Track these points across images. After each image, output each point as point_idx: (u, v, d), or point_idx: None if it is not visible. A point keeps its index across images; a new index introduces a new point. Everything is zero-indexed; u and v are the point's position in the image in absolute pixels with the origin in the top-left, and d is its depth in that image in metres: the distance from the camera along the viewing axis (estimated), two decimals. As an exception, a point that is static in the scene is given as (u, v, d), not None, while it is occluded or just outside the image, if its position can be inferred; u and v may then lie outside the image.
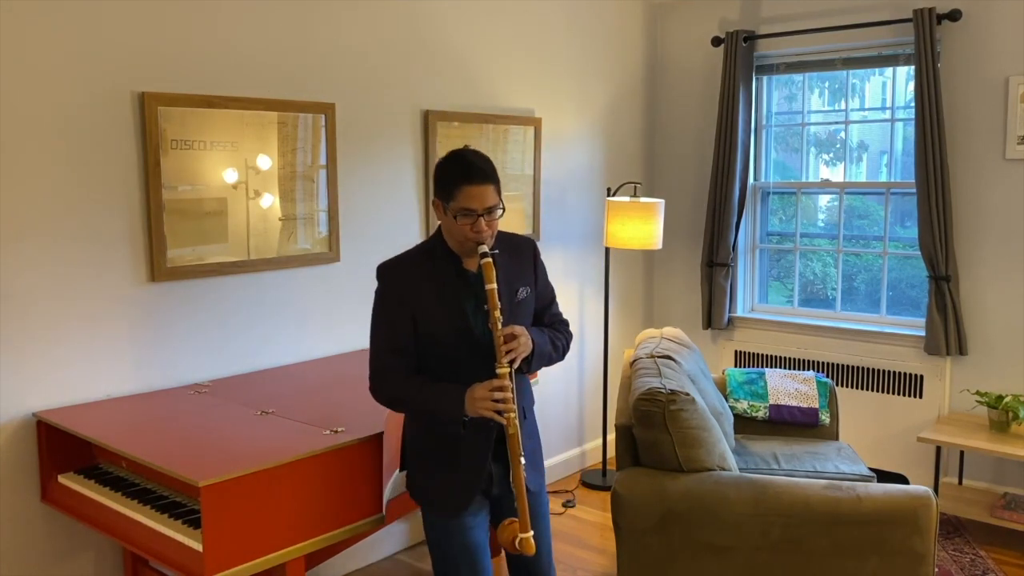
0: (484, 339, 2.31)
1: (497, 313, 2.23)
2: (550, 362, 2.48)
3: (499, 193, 2.30)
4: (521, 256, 2.47)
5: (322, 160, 3.57)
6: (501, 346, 2.24)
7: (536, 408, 2.65)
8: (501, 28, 4.31)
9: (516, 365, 2.29)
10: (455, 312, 2.34)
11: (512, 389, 2.26)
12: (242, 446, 2.52)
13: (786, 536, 2.77)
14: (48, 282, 2.85)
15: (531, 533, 2.29)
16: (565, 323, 2.60)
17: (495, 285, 2.24)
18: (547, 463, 4.54)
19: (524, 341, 2.29)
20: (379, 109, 3.78)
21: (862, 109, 5.07)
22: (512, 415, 2.25)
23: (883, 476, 4.33)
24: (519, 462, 2.27)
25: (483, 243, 2.27)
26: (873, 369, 4.65)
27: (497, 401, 2.23)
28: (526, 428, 2.45)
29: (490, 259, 2.24)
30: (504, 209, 2.32)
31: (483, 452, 2.38)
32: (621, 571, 2.94)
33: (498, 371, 2.24)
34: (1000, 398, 4.07)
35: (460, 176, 2.25)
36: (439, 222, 2.39)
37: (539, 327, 2.48)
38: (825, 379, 4.05)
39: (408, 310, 2.34)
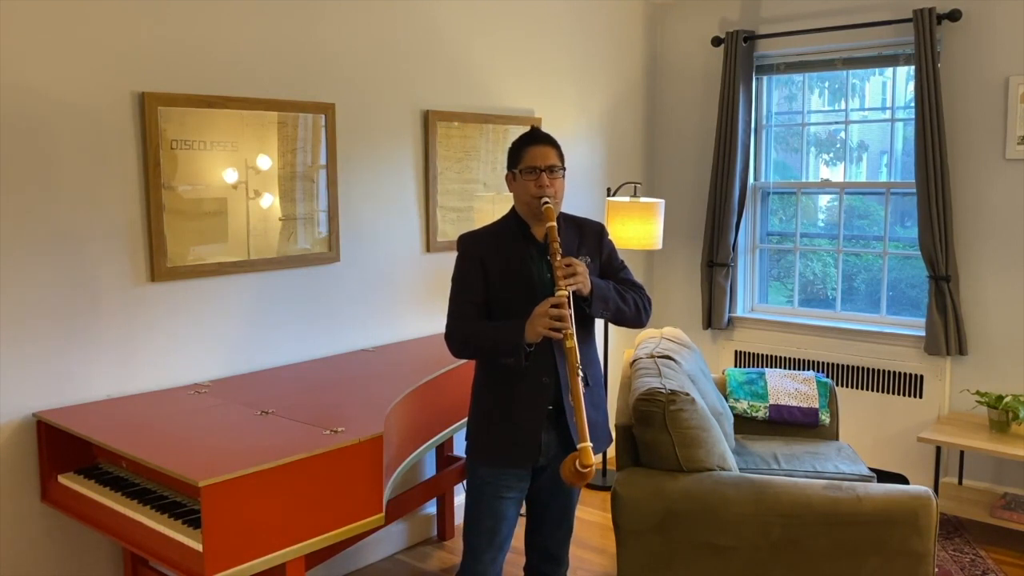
0: (546, 293, 2.46)
1: (556, 245, 2.43)
2: (619, 312, 2.61)
3: (561, 159, 2.59)
4: (587, 234, 2.70)
5: (322, 160, 3.58)
6: (560, 271, 2.40)
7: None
8: (501, 28, 4.31)
9: (573, 287, 2.41)
10: (523, 271, 2.57)
11: (570, 311, 2.37)
12: (242, 446, 2.52)
13: (786, 536, 2.77)
14: (48, 282, 2.85)
15: (589, 444, 2.24)
16: (638, 286, 2.73)
17: (555, 223, 2.47)
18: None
19: (582, 271, 2.45)
20: (379, 109, 3.78)
21: (862, 109, 5.07)
22: (570, 331, 2.35)
23: (883, 476, 4.33)
24: (576, 375, 2.34)
25: (546, 197, 2.52)
26: (873, 369, 4.65)
27: (554, 319, 2.36)
28: (590, 398, 2.57)
29: (551, 205, 2.50)
30: (565, 170, 2.60)
31: (539, 414, 2.55)
32: (621, 571, 2.94)
33: (557, 293, 2.39)
34: (1000, 398, 4.07)
35: (525, 140, 2.60)
36: (512, 198, 2.65)
37: (606, 280, 2.66)
38: (825, 379, 4.05)
39: (481, 270, 2.59)
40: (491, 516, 2.62)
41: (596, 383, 2.69)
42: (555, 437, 2.56)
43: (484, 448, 2.63)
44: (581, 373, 2.36)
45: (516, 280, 2.56)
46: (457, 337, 2.60)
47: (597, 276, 2.65)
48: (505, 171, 2.65)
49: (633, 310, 2.64)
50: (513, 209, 2.67)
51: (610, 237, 2.76)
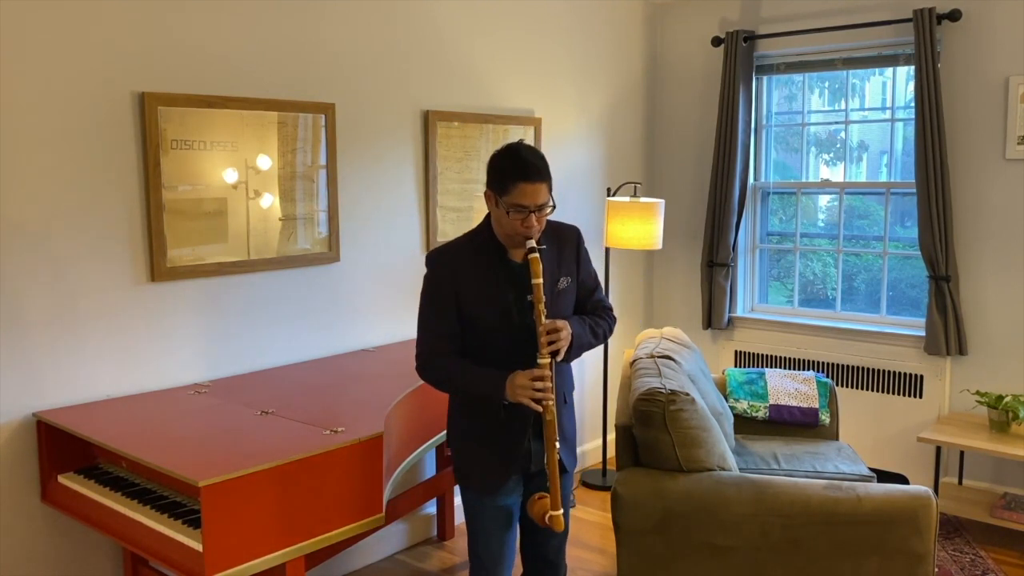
0: (523, 326, 2.40)
1: (541, 307, 2.32)
2: (589, 348, 2.57)
3: (551, 191, 2.38)
4: (565, 245, 2.55)
5: (322, 160, 3.58)
6: (544, 338, 2.32)
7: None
8: (501, 28, 4.31)
9: (559, 358, 2.39)
10: (497, 299, 2.42)
11: (552, 380, 2.34)
12: (242, 446, 2.52)
13: (786, 536, 2.77)
14: (48, 282, 2.85)
15: (561, 511, 2.39)
16: (608, 308, 2.67)
17: (541, 280, 2.32)
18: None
19: (565, 335, 2.36)
20: (379, 109, 3.78)
21: (862, 109, 5.07)
22: (550, 403, 2.34)
23: (883, 476, 4.33)
24: (554, 447, 2.37)
25: (532, 238, 2.34)
26: (873, 369, 4.65)
27: (537, 390, 2.32)
28: (565, 412, 2.56)
29: (537, 255, 2.32)
30: (555, 207, 2.40)
31: (522, 430, 2.47)
32: (621, 571, 2.94)
33: (539, 361, 2.33)
34: (1000, 398, 4.07)
35: (517, 173, 2.32)
36: (488, 211, 2.47)
37: (580, 316, 2.56)
38: (825, 379, 4.05)
39: (453, 295, 2.42)
40: (498, 528, 2.57)
41: (570, 395, 2.63)
42: (541, 444, 2.48)
43: (474, 472, 2.54)
44: (559, 429, 2.40)
45: (489, 305, 2.42)
46: (433, 374, 2.47)
47: (575, 294, 2.57)
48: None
49: (600, 340, 2.61)
50: (488, 223, 2.48)
51: (585, 246, 2.64)
